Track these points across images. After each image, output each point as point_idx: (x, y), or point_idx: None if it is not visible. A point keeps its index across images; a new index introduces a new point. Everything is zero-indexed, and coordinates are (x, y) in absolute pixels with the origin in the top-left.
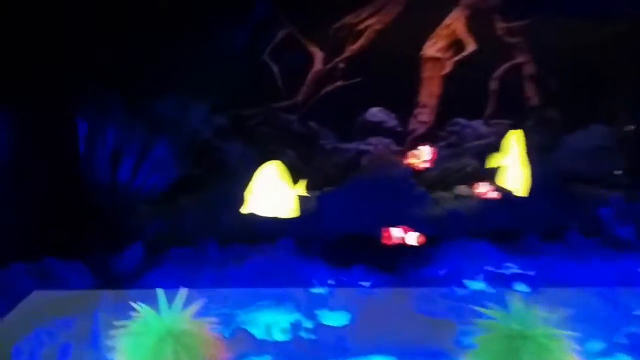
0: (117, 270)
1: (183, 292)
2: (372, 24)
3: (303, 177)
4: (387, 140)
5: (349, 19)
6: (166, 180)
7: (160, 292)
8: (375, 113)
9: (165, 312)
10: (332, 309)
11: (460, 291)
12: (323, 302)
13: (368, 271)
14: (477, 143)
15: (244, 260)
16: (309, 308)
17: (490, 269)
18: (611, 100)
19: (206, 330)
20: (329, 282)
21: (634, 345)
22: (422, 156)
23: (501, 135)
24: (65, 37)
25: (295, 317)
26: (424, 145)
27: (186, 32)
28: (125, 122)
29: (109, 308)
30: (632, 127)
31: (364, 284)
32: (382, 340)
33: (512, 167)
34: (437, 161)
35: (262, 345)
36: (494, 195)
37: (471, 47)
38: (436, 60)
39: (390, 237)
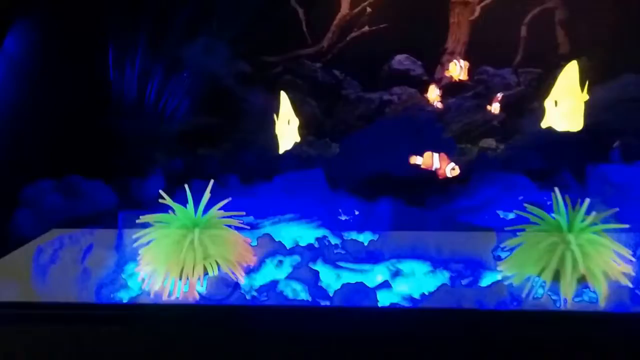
0: (139, 194)
1: (209, 185)
2: None
3: (325, 129)
4: (412, 90)
5: None
6: (188, 121)
7: (187, 189)
8: (401, 60)
9: (191, 206)
10: (361, 229)
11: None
12: (350, 224)
13: (395, 203)
14: (505, 93)
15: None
16: (336, 227)
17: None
18: None
19: (233, 227)
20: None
21: None
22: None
23: (531, 85)
24: None
25: (321, 232)
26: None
27: None
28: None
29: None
30: None
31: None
32: (416, 247)
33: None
34: (462, 113)
35: (289, 249)
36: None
37: None
38: (464, 4)
39: (430, 162)
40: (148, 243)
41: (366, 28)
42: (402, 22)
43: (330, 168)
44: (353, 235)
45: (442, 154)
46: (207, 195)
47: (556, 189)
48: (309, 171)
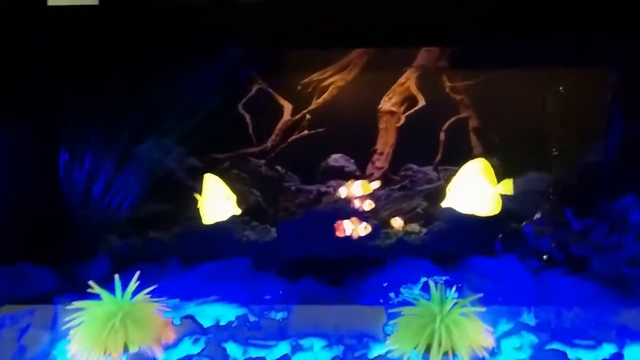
0: (84, 278)
1: (136, 275)
2: (335, 80)
3: (268, 216)
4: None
5: (315, 76)
6: (138, 209)
7: (116, 277)
8: (337, 158)
9: (118, 292)
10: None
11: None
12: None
13: (316, 284)
14: (427, 186)
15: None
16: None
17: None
18: (546, 150)
19: (155, 310)
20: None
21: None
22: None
23: (449, 180)
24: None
25: (242, 311)
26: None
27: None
28: (105, 153)
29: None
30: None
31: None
32: (318, 325)
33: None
34: (390, 202)
35: (206, 329)
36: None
37: (421, 102)
38: (391, 113)
39: (342, 229)
40: (78, 325)
41: (306, 131)
42: (337, 127)
43: (267, 251)
44: (272, 313)
45: (353, 218)
46: (132, 284)
47: (430, 281)
48: (234, 260)
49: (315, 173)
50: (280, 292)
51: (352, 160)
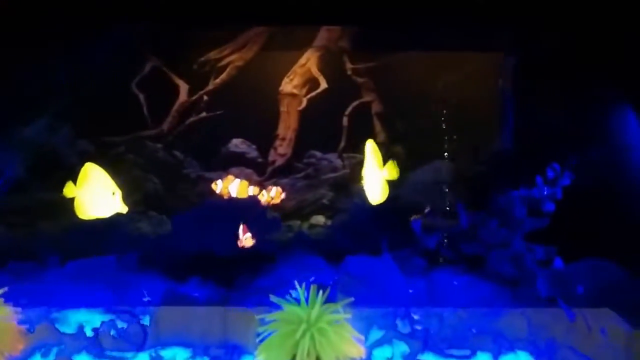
0: None
1: None
2: (233, 60)
3: (167, 205)
4: (248, 170)
5: (212, 55)
6: (20, 198)
7: None
8: (238, 144)
9: None
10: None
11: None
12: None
13: (202, 284)
14: (332, 175)
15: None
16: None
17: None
18: (452, 139)
19: (4, 316)
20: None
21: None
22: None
23: (354, 168)
24: None
25: (109, 316)
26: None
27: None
28: None
29: None
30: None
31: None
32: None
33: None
34: (294, 192)
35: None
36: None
37: (323, 84)
38: (293, 95)
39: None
40: None
41: (203, 114)
42: (237, 110)
43: (158, 245)
44: (144, 319)
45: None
46: None
47: (296, 283)
48: (115, 257)
49: (216, 159)
50: (158, 294)
51: (254, 146)
